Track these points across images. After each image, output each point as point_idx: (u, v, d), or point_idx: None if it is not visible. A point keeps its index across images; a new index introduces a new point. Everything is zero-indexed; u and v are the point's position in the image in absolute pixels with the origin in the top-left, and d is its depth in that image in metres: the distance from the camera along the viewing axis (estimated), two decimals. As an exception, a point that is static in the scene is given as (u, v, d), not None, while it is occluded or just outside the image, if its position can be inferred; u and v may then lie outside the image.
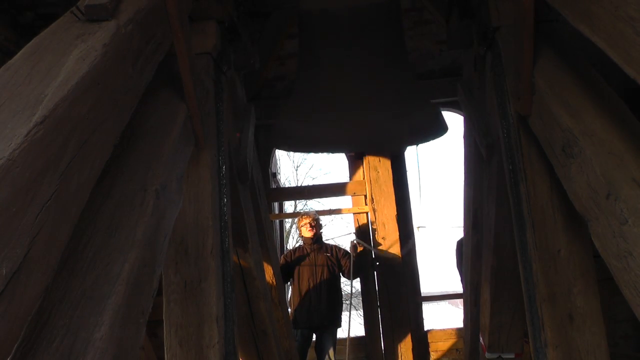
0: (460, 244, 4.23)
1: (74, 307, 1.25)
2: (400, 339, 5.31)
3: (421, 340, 5.48)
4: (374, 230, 5.46)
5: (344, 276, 5.05)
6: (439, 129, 5.16)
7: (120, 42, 1.54)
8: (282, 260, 4.88)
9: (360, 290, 5.74)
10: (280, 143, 5.63)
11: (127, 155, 1.69)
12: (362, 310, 5.56)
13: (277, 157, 8.13)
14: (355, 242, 5.05)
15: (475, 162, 3.19)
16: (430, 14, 5.89)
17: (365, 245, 5.11)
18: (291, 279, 4.91)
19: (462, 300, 3.99)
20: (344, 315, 5.05)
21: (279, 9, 4.50)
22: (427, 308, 5.91)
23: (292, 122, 5.12)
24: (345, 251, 5.04)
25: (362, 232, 5.58)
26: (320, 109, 4.88)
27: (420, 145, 6.20)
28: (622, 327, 4.75)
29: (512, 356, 3.06)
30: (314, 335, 4.90)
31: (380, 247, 5.38)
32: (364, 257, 5.18)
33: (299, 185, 16.60)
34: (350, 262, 4.88)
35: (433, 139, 5.31)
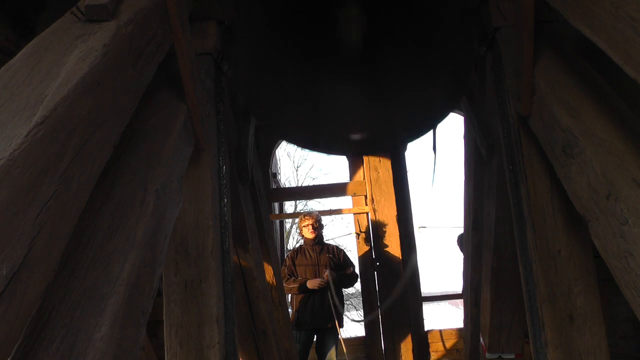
0: (460, 238, 4.23)
1: (74, 307, 1.24)
2: (401, 339, 5.32)
3: (421, 341, 5.48)
4: (374, 231, 5.46)
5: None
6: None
7: (120, 42, 1.54)
8: (287, 262, 4.84)
9: (360, 290, 5.73)
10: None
11: (127, 156, 1.68)
12: (362, 311, 5.55)
13: (277, 157, 8.13)
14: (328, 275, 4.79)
15: (475, 163, 3.19)
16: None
17: (333, 281, 4.77)
18: (293, 278, 4.87)
19: (462, 300, 3.99)
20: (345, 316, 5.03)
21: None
22: (427, 308, 5.91)
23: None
24: (346, 257, 5.02)
25: (363, 233, 5.57)
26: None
27: (419, 146, 6.05)
28: (622, 328, 4.75)
29: (513, 356, 3.06)
30: (315, 336, 4.89)
31: (380, 248, 5.38)
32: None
33: (299, 185, 16.62)
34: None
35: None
